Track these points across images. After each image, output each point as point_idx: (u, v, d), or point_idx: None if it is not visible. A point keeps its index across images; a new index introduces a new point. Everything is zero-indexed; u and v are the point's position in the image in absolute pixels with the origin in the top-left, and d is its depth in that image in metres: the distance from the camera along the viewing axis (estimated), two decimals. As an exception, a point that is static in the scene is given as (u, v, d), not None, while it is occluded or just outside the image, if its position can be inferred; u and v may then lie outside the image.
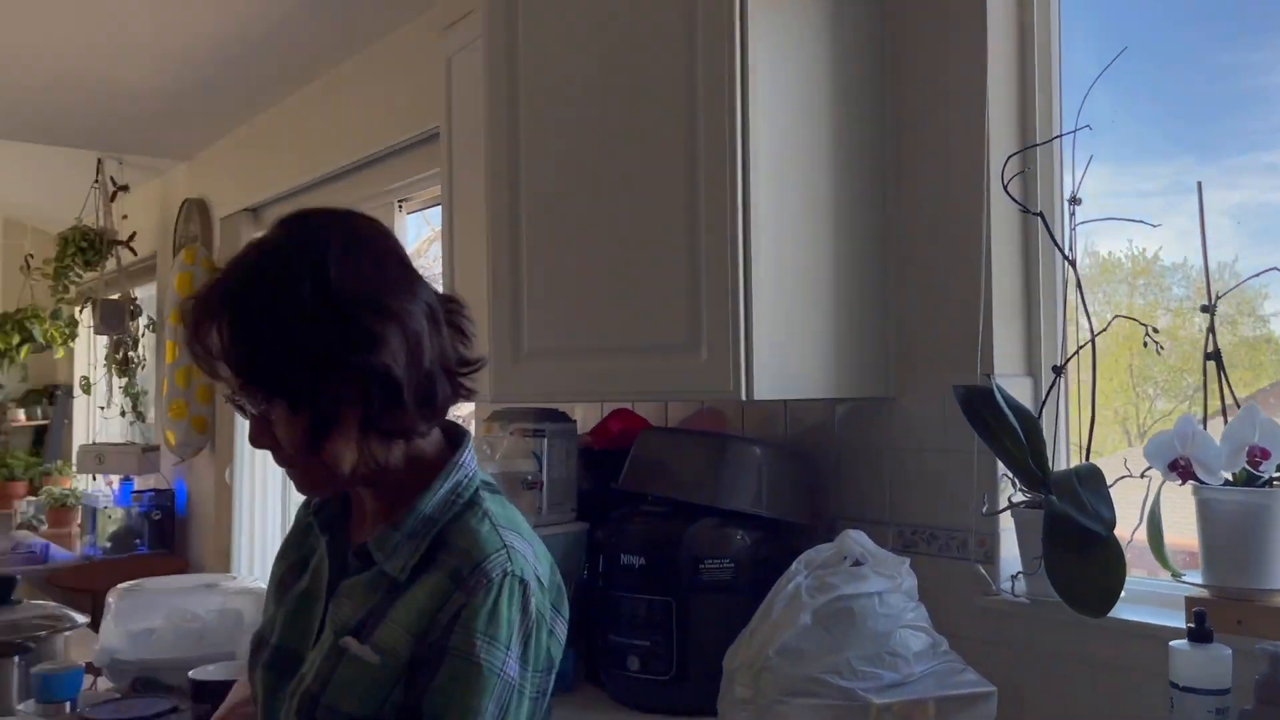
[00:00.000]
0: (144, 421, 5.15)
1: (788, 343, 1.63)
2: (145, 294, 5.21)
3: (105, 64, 3.49)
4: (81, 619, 1.80)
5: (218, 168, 4.49)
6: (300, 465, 1.02)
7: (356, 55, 3.36)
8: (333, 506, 1.13)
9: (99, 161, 4.93)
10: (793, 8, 1.67)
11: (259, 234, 3.46)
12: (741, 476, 1.73)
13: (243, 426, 4.08)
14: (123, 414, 5.19)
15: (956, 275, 1.67)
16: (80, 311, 5.63)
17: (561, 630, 1.05)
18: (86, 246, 4.95)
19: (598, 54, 1.73)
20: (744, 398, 1.56)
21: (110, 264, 5.00)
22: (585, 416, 2.29)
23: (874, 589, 1.36)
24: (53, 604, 1.82)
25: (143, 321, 5.07)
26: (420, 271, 1.07)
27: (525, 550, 1.01)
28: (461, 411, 2.79)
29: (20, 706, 1.56)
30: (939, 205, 1.71)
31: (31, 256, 5.58)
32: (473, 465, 1.08)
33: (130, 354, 5.03)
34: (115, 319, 4.89)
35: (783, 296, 1.62)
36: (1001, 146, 1.64)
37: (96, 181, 4.94)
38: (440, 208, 2.45)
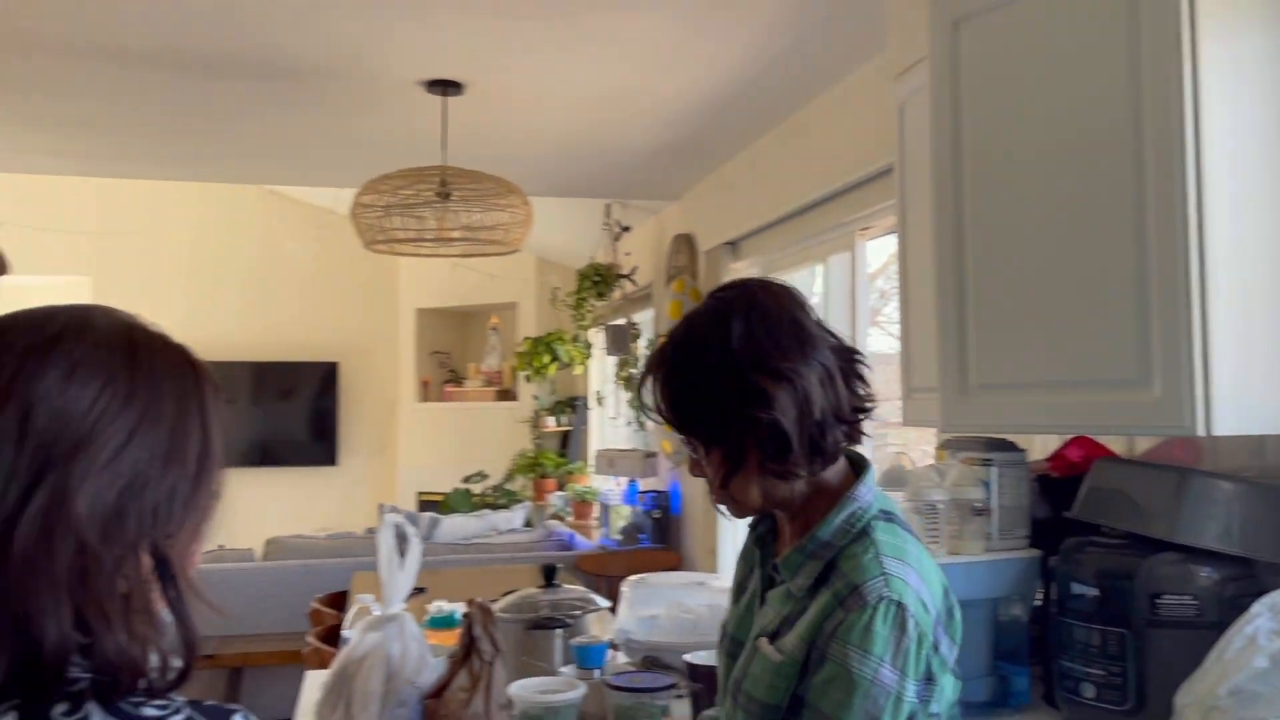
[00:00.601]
0: (645, 430, 5.86)
1: (1255, 375, 1.56)
2: (644, 319, 5.93)
3: (609, 128, 4.11)
4: (604, 603, 2.21)
5: (702, 206, 5.01)
6: (719, 496, 1.25)
7: (817, 99, 3.62)
8: (765, 525, 1.34)
9: (607, 207, 5.72)
10: (1247, 17, 1.60)
11: (735, 263, 3.83)
12: (1206, 511, 1.68)
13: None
14: (628, 423, 5.95)
15: None
16: (593, 335, 6.54)
17: (947, 648, 1.17)
18: (599, 280, 5.75)
19: (1038, 90, 1.79)
20: (1201, 433, 1.53)
21: (616, 294, 5.77)
22: (1046, 442, 2.30)
23: (1348, 640, 1.29)
24: (581, 588, 2.25)
25: (643, 343, 5.79)
26: (820, 331, 1.23)
27: (906, 575, 1.14)
28: (925, 434, 2.90)
29: (562, 670, 1.98)
30: None
31: (558, 289, 6.59)
32: (867, 498, 1.22)
33: (633, 371, 5.76)
34: (620, 341, 5.63)
35: (1250, 327, 1.56)
36: None
37: (605, 224, 5.74)
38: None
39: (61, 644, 0.67)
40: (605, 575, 4.66)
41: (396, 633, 1.70)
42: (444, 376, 8.14)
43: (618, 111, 3.87)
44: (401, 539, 1.79)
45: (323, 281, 8.09)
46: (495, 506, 6.51)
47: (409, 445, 8.06)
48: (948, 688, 1.17)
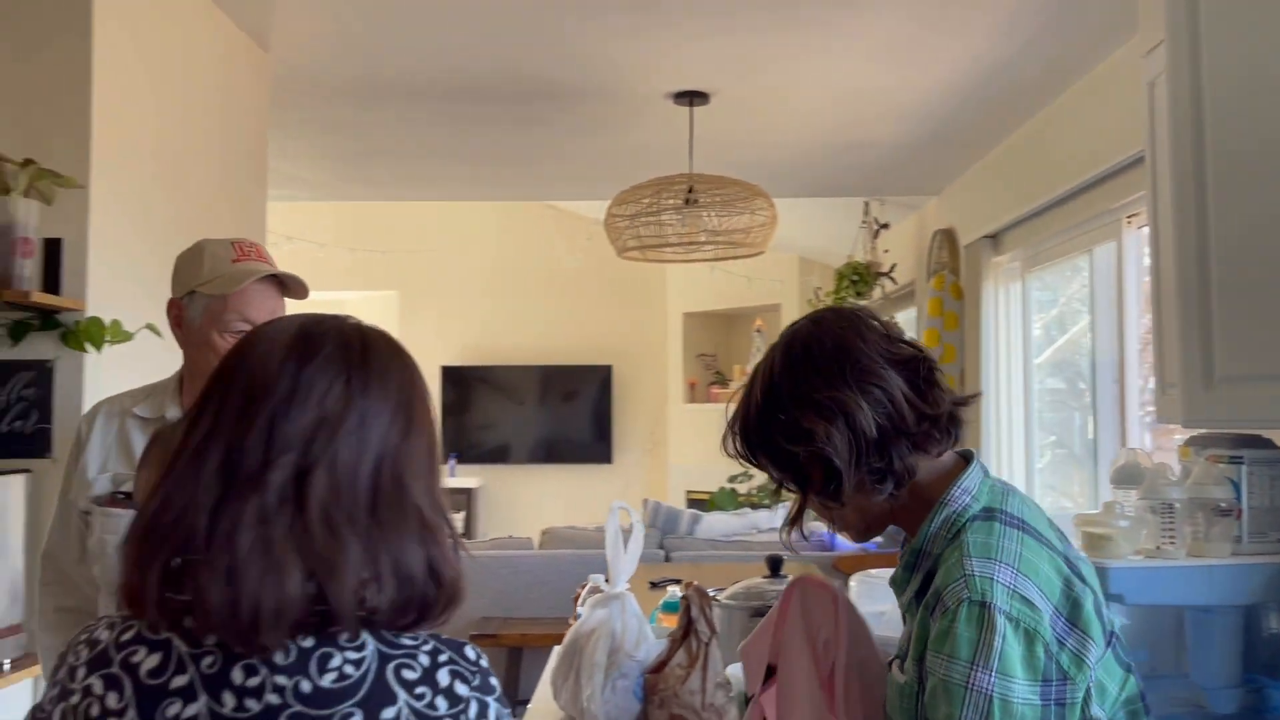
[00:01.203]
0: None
1: None
2: (906, 318, 5.81)
3: (858, 126, 4.09)
4: (830, 596, 2.24)
5: (962, 199, 4.86)
6: (792, 528, 1.27)
7: (1074, 84, 3.44)
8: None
9: (865, 204, 5.67)
10: None
11: (996, 257, 3.69)
12: None
13: (990, 442, 4.37)
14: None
15: None
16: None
17: (1075, 642, 1.08)
18: (857, 279, 5.71)
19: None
20: None
21: (876, 292, 5.70)
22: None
23: None
24: (811, 581, 2.30)
25: (905, 342, 5.67)
26: (881, 348, 1.18)
27: (992, 573, 1.09)
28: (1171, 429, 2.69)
29: (785, 656, 2.04)
30: None
31: (819, 289, 6.59)
32: (963, 499, 1.17)
33: (895, 371, 5.66)
34: (881, 341, 5.55)
35: None
36: None
37: (863, 222, 5.69)
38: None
39: (350, 581, 0.83)
40: (864, 576, 4.62)
41: (619, 610, 1.83)
42: (710, 378, 8.34)
43: (866, 109, 3.85)
44: (627, 527, 1.92)
45: (597, 289, 8.53)
46: (758, 506, 6.60)
47: (678, 445, 8.33)
48: (1110, 684, 1.10)
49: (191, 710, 0.81)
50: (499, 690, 0.89)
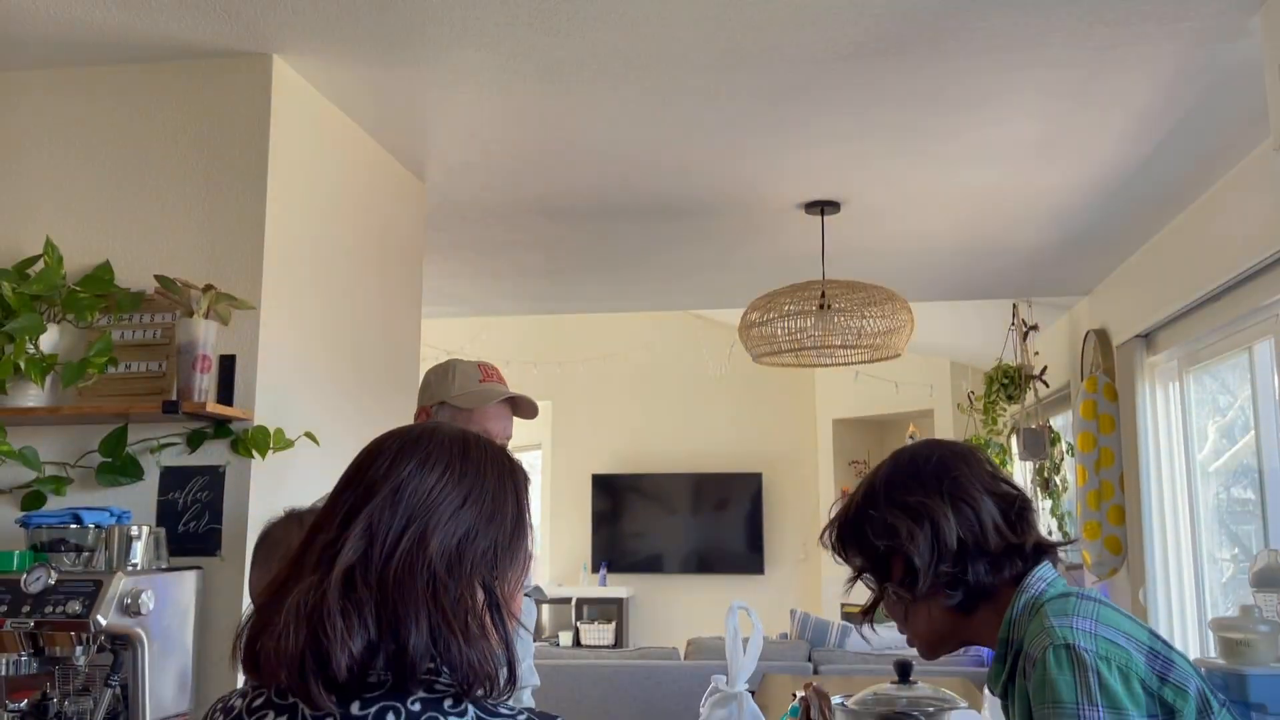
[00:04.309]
0: (1071, 541, 5.47)
1: None
2: (1061, 422, 5.60)
3: (998, 230, 4.07)
4: (963, 704, 2.17)
5: (1113, 298, 4.72)
6: (861, 620, 1.37)
7: (1221, 178, 3.35)
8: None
9: (1014, 306, 5.56)
10: None
11: (1150, 357, 3.60)
12: None
13: (1154, 551, 4.13)
14: (1049, 533, 5.60)
15: None
16: (1008, 439, 6.27)
17: (1176, 676, 1.10)
18: (1008, 382, 5.57)
19: None
20: None
21: (1029, 396, 5.54)
22: None
23: None
24: (944, 690, 2.24)
25: (1063, 447, 5.46)
26: (983, 482, 1.27)
27: (1071, 623, 1.13)
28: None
29: (913, 766, 1.99)
30: None
31: (973, 393, 6.44)
32: (1039, 587, 1.22)
33: (1052, 477, 5.44)
34: (1036, 445, 5.37)
35: None
36: None
37: (1012, 324, 5.57)
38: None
39: (419, 645, 0.92)
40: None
41: (736, 709, 1.84)
42: (863, 486, 8.18)
43: (1002, 211, 3.84)
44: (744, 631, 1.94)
45: (746, 397, 8.58)
46: (913, 618, 6.36)
47: (831, 556, 8.15)
48: None
49: None
50: None
